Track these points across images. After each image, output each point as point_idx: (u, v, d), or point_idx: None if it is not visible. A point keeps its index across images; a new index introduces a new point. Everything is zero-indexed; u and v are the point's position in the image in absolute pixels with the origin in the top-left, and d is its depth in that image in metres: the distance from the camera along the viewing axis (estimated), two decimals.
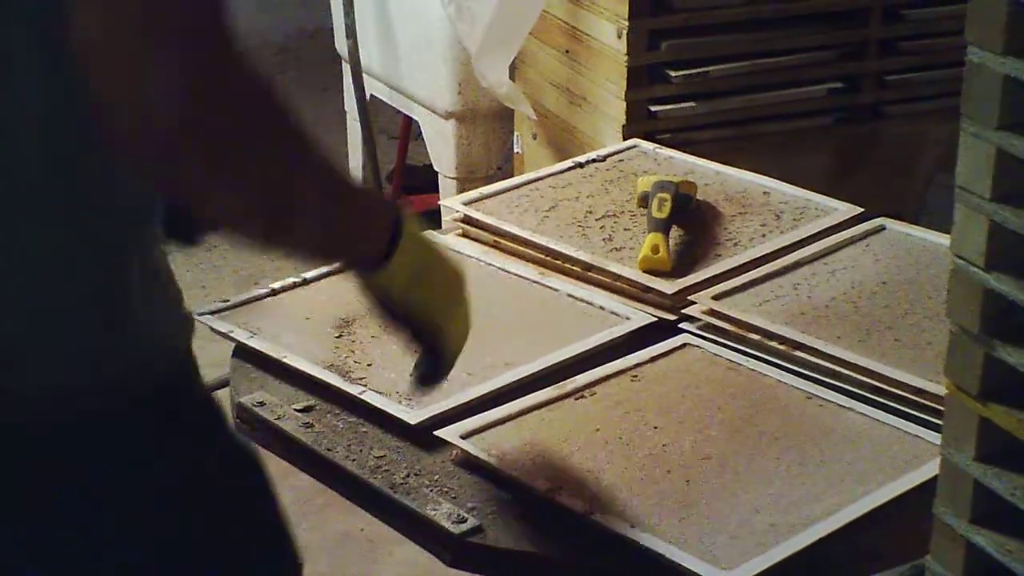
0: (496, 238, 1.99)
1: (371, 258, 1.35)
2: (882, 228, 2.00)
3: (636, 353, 1.73)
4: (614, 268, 1.88)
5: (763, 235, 1.98)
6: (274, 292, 1.88)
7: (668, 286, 1.83)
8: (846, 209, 2.03)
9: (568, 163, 2.23)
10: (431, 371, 1.44)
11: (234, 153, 1.12)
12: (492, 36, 2.84)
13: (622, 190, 2.11)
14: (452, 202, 2.10)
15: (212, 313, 1.82)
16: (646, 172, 2.15)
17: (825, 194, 2.13)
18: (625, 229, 1.99)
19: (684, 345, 1.75)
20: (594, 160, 2.22)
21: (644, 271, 1.86)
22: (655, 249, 1.86)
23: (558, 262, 1.92)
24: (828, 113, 2.89)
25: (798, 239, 1.96)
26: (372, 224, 1.35)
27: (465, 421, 1.59)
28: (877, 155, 2.94)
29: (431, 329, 1.41)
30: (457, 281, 1.45)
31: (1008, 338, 1.13)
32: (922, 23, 2.87)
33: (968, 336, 1.16)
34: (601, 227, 2.00)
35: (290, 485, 3.05)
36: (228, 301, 1.86)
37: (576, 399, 1.64)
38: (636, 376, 1.69)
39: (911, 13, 2.86)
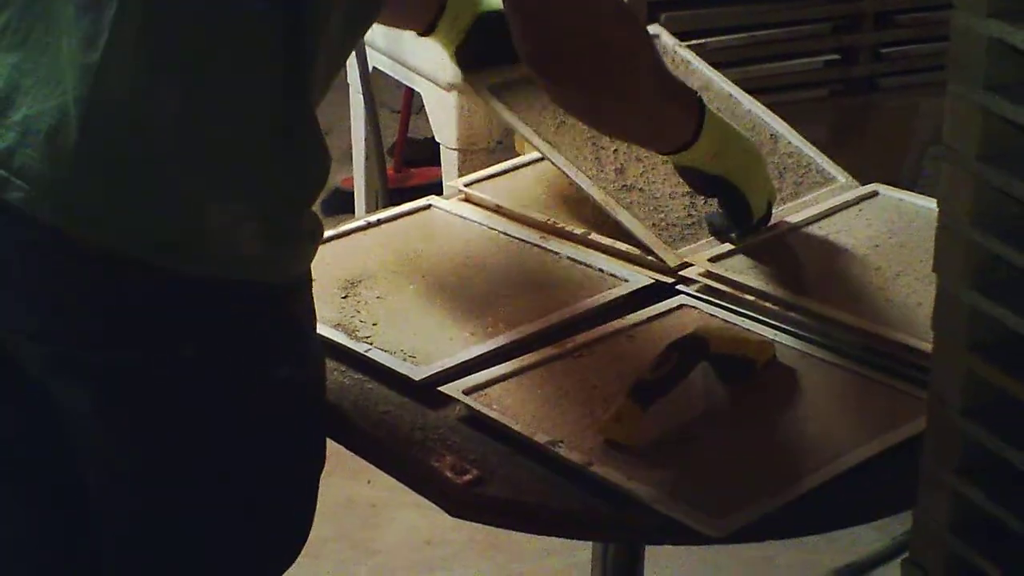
0: (498, 203, 2.04)
1: (684, 142, 1.77)
2: (875, 194, 2.05)
3: (634, 314, 1.77)
4: (609, 242, 1.92)
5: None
6: None
7: (668, 255, 1.87)
8: (846, 182, 2.06)
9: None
10: (737, 223, 1.86)
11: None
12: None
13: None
14: (454, 183, 2.13)
15: None
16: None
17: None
18: (637, 159, 2.02)
19: (681, 306, 1.80)
20: None
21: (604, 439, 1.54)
22: (618, 416, 1.53)
23: (558, 226, 1.97)
24: (823, 85, 2.93)
25: (794, 212, 1.99)
26: (684, 114, 1.76)
27: (468, 378, 1.64)
28: (872, 127, 2.98)
29: (736, 191, 1.82)
30: (753, 150, 1.85)
31: (992, 292, 1.18)
32: None
33: (954, 290, 1.20)
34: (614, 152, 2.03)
35: None
36: None
37: (575, 357, 1.69)
38: (633, 336, 1.74)
39: None
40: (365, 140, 3.74)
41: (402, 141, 4.22)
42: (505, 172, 2.15)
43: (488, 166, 2.20)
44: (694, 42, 2.78)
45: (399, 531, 2.98)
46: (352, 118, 3.83)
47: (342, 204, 4.09)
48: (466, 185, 2.10)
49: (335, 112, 4.61)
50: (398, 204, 2.08)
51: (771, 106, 2.85)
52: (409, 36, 3.30)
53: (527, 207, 2.02)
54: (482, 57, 1.98)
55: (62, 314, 1.40)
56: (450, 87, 3.26)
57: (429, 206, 2.06)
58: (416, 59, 3.37)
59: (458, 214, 2.03)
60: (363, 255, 1.93)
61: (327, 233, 1.95)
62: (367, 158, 3.78)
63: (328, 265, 1.88)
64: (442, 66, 3.26)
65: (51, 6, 1.39)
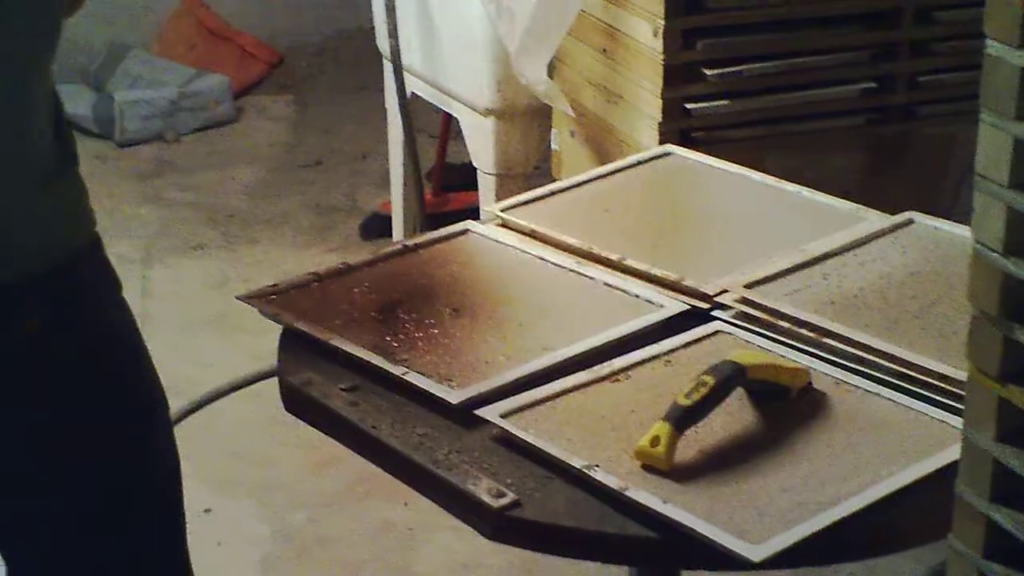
0: (533, 227, 2.05)
1: None
2: (910, 222, 2.05)
3: (670, 339, 1.79)
4: (645, 267, 1.93)
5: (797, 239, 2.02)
6: (319, 278, 1.95)
7: (704, 283, 1.88)
8: (877, 218, 2.07)
9: (603, 169, 2.28)
10: None
11: None
12: (531, 35, 2.90)
13: (659, 198, 2.16)
14: (491, 208, 2.15)
15: (260, 297, 1.89)
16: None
17: (858, 193, 2.17)
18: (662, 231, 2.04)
19: (717, 332, 1.81)
20: (629, 166, 2.27)
21: (641, 463, 1.55)
22: (654, 441, 1.54)
23: (594, 252, 1.98)
24: (860, 113, 2.94)
25: (828, 243, 1.99)
26: None
27: (504, 401, 1.65)
28: (909, 155, 2.98)
29: None
30: None
31: None
32: (954, 25, 2.92)
33: (988, 319, 1.21)
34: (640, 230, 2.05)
35: (332, 474, 3.14)
36: (276, 286, 1.92)
37: (612, 382, 1.70)
38: (669, 361, 1.75)
39: (943, 15, 2.91)
40: (403, 165, 3.77)
41: (440, 166, 4.24)
42: (541, 197, 2.17)
43: (525, 191, 2.22)
44: (730, 69, 2.80)
45: (436, 555, 2.99)
46: (390, 143, 3.86)
47: (380, 228, 4.12)
48: (503, 210, 2.11)
49: (373, 137, 4.65)
50: (436, 229, 2.09)
51: (808, 133, 2.89)
52: (448, 61, 3.34)
53: (563, 232, 2.03)
54: None
55: None
56: (487, 112, 3.29)
57: (466, 231, 2.08)
58: (454, 84, 3.40)
59: (495, 239, 2.05)
60: (401, 279, 1.95)
61: (366, 257, 1.97)
62: (405, 183, 3.81)
63: (366, 289, 1.90)
64: (479, 91, 3.29)
65: None
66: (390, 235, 3.94)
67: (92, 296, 1.68)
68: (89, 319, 1.66)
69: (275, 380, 1.84)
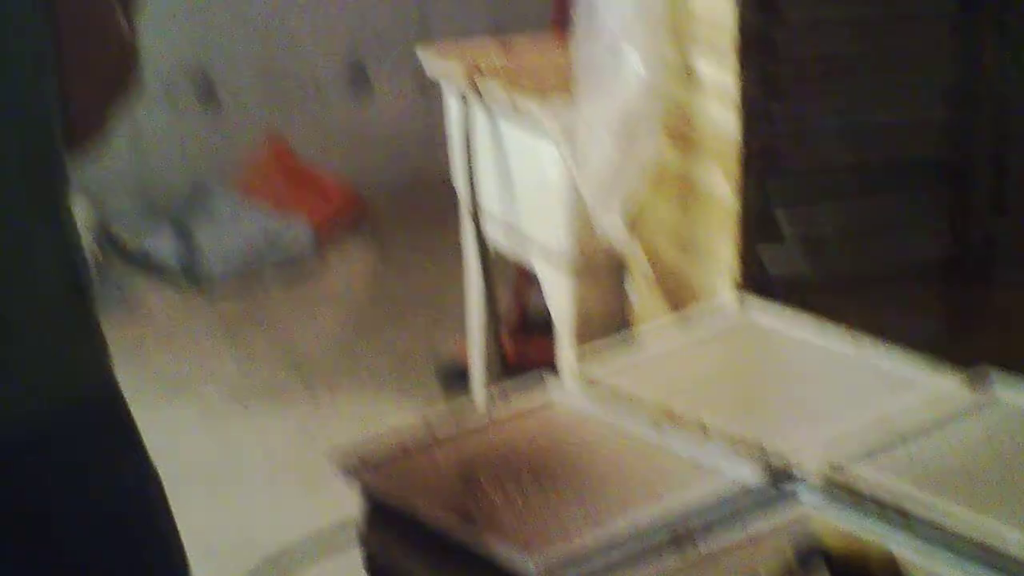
0: (613, 387, 2.06)
1: None
2: (992, 382, 2.03)
3: (749, 511, 1.77)
4: (723, 430, 1.92)
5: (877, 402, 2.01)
6: (402, 443, 1.95)
7: (783, 449, 1.87)
8: (958, 379, 2.06)
9: (681, 326, 2.28)
10: None
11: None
12: (608, 186, 2.93)
13: (737, 356, 2.16)
14: (569, 366, 2.16)
15: (342, 460, 1.91)
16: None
17: (939, 350, 2.15)
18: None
19: (797, 505, 1.78)
20: (707, 323, 2.28)
21: None
22: None
23: (673, 412, 1.98)
24: (938, 263, 2.93)
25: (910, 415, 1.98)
26: None
27: (584, 567, 1.64)
28: (988, 310, 2.96)
29: None
30: None
31: None
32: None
33: None
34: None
35: None
36: (358, 450, 1.94)
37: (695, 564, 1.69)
38: (748, 535, 1.73)
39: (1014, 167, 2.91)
40: (481, 313, 3.79)
41: (518, 314, 4.26)
42: (620, 356, 2.18)
43: (602, 342, 2.23)
44: (808, 222, 2.80)
45: None
46: (468, 291, 3.89)
47: (458, 375, 4.14)
48: (581, 369, 2.12)
49: (452, 282, 4.68)
50: (513, 376, 2.10)
51: (884, 285, 2.88)
52: (526, 212, 3.38)
53: (642, 392, 2.03)
54: None
55: None
56: (565, 263, 3.31)
57: (545, 390, 2.09)
58: (531, 234, 3.43)
59: (573, 398, 2.05)
60: (480, 443, 1.95)
61: (446, 420, 1.98)
62: (483, 331, 3.83)
63: (447, 454, 1.91)
64: (557, 242, 3.32)
65: None
66: (468, 383, 3.95)
67: (97, 464, 1.52)
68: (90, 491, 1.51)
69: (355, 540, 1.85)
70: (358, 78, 5.63)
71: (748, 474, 1.85)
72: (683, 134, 2.92)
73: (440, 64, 3.59)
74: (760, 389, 2.09)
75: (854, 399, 2.01)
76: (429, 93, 5.49)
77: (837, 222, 2.84)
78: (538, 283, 3.51)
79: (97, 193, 5.27)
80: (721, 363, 2.15)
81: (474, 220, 3.53)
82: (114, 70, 1.55)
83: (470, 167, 3.45)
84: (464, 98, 3.48)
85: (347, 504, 1.95)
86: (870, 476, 1.81)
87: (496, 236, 3.62)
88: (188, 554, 1.62)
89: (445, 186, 3.91)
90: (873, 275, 2.88)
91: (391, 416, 4.08)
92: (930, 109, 2.87)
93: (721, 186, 2.80)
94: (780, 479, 1.84)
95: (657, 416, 1.99)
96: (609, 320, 3.37)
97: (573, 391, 2.07)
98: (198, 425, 4.05)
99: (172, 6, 5.33)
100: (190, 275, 4.91)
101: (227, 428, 4.05)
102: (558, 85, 3.61)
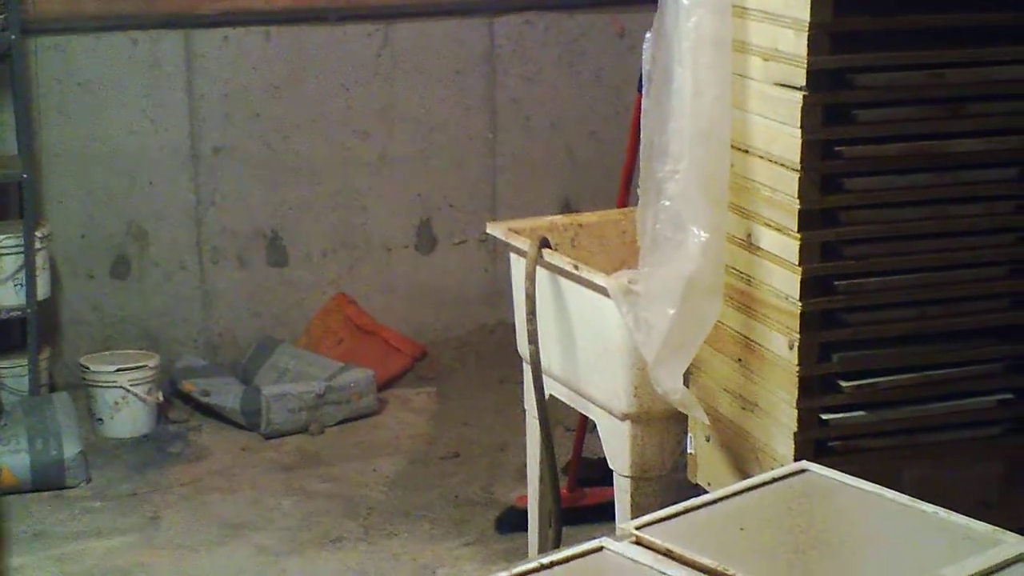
0: (668, 547, 2.07)
1: None
2: None
3: None
4: None
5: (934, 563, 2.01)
6: None
7: None
8: (1015, 541, 2.06)
9: (739, 486, 2.30)
10: None
11: None
12: (668, 345, 2.96)
13: (794, 517, 2.17)
14: (626, 525, 2.17)
15: None
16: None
17: (997, 504, 2.15)
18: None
19: None
20: (765, 483, 2.29)
21: None
22: None
23: (729, 573, 1.99)
24: (997, 424, 2.94)
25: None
26: None
27: None
28: None
29: None
30: None
31: None
32: None
33: None
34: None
35: None
36: None
37: None
38: None
39: None
40: (540, 461, 3.81)
41: (576, 460, 4.28)
42: (677, 514, 2.20)
43: (660, 493, 2.25)
44: (866, 381, 2.83)
45: None
46: (527, 439, 3.91)
47: (517, 522, 4.15)
48: (638, 528, 2.14)
49: (511, 429, 4.72)
50: (571, 524, 2.12)
51: (945, 443, 2.89)
52: (586, 366, 3.42)
53: (698, 552, 2.05)
54: None
55: None
56: (624, 416, 3.34)
57: (601, 548, 2.11)
58: (591, 389, 3.47)
59: (630, 557, 2.07)
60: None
61: (501, 575, 2.00)
62: (541, 479, 3.85)
63: None
64: (616, 397, 3.35)
65: None
66: (526, 529, 3.96)
67: None
68: None
69: None
70: (424, 235, 5.73)
71: None
72: (745, 299, 2.96)
73: (510, 238, 3.66)
74: (817, 551, 2.09)
75: (911, 562, 2.02)
76: (493, 249, 5.61)
77: (897, 385, 2.85)
78: (596, 430, 3.54)
79: (167, 345, 5.38)
80: (778, 526, 2.16)
81: (535, 377, 3.57)
82: None
83: (534, 328, 3.50)
84: (531, 267, 3.53)
85: None
86: None
87: (556, 392, 3.66)
88: None
89: (507, 336, 3.96)
90: (934, 430, 2.89)
91: (448, 561, 4.09)
92: (990, 275, 2.90)
93: (781, 347, 2.83)
94: None
95: (713, 574, 2.00)
96: (666, 470, 3.39)
97: (628, 550, 2.09)
98: (253, 568, 4.07)
99: (250, 180, 5.49)
100: (253, 423, 4.97)
101: (283, 571, 4.06)
102: (622, 255, 3.70)
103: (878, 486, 2.26)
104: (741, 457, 3.04)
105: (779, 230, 2.83)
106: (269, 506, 4.47)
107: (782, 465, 2.51)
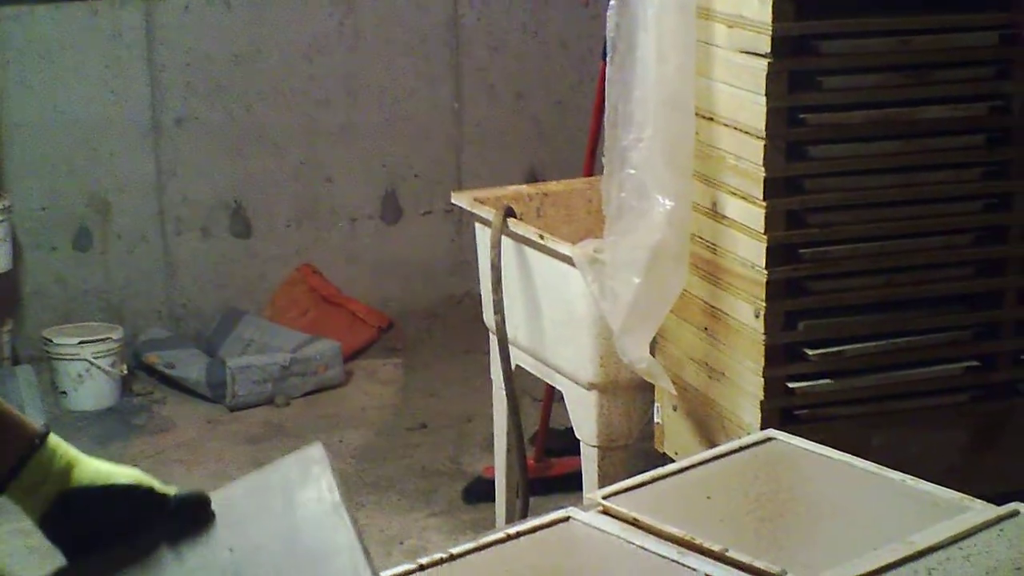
0: (635, 516, 2.06)
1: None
2: (1016, 512, 2.04)
3: None
4: (747, 559, 1.93)
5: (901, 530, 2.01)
6: (422, 568, 1.96)
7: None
8: (982, 508, 2.06)
9: (706, 455, 2.29)
10: None
11: None
12: (634, 314, 2.96)
13: (761, 485, 2.17)
14: (593, 495, 2.16)
15: None
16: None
17: (962, 469, 2.15)
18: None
19: None
20: (731, 452, 2.29)
21: None
22: None
23: (696, 542, 1.98)
24: (964, 391, 2.94)
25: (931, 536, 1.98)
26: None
27: None
28: (1014, 432, 2.97)
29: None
30: None
31: None
32: None
33: None
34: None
35: None
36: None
37: None
38: None
39: None
40: (507, 431, 3.80)
41: (543, 431, 4.28)
42: (644, 484, 2.18)
43: (627, 463, 2.24)
44: (832, 349, 2.83)
45: None
46: (495, 410, 3.90)
47: (484, 492, 4.14)
48: (604, 497, 2.13)
49: (478, 400, 4.71)
50: (539, 494, 2.11)
51: (911, 411, 2.89)
52: (552, 337, 3.41)
53: (665, 520, 2.04)
54: (76, 535, 1.67)
55: None
56: (590, 386, 3.33)
57: (568, 518, 2.10)
58: (557, 359, 3.46)
59: (596, 527, 2.06)
60: (501, 567, 1.96)
61: (467, 545, 1.99)
62: (509, 449, 3.84)
63: (463, 570, 1.92)
64: (583, 366, 3.34)
65: None
66: (493, 500, 3.95)
67: None
68: None
69: None
70: (389, 205, 5.71)
71: None
72: (711, 267, 2.95)
73: (475, 207, 3.65)
74: (784, 518, 2.09)
75: (879, 529, 2.01)
76: (459, 220, 5.59)
77: (864, 353, 2.85)
78: (563, 400, 3.53)
79: (130, 318, 5.34)
80: (745, 494, 2.15)
81: (501, 347, 3.55)
82: None
83: (499, 299, 3.48)
84: (496, 237, 3.51)
85: None
86: None
87: (522, 362, 3.65)
88: None
89: (474, 308, 3.94)
90: (900, 398, 2.89)
91: (415, 532, 4.08)
92: (957, 242, 2.90)
93: (748, 316, 2.83)
94: None
95: (679, 542, 1.99)
96: (632, 439, 3.38)
97: (595, 519, 2.08)
98: None
99: (213, 151, 5.44)
100: (218, 395, 4.94)
101: None
102: (588, 224, 3.69)
103: (845, 454, 2.25)
104: (708, 426, 3.04)
105: (744, 198, 2.82)
106: (235, 478, 4.39)
107: (749, 434, 2.51)
